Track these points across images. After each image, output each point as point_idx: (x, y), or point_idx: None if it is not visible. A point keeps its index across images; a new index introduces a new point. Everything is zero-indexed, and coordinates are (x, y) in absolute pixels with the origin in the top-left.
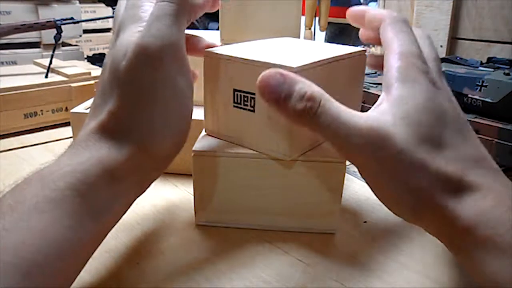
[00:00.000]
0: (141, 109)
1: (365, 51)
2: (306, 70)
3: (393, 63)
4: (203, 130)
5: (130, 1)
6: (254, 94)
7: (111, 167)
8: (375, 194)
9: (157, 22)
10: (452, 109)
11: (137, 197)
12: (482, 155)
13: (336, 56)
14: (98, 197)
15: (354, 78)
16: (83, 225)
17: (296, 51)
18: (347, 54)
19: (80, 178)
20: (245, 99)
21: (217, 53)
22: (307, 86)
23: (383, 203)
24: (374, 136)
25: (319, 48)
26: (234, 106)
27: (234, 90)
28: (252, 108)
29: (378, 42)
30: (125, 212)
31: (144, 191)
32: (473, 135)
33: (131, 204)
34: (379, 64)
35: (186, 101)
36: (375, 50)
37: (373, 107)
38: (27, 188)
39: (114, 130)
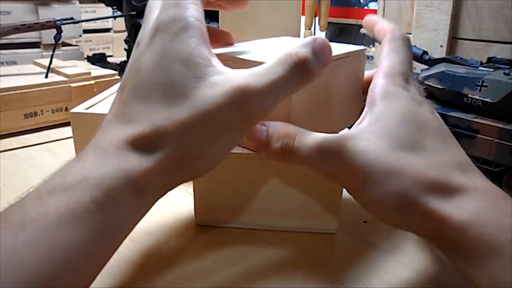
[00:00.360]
0: (199, 134)
1: (365, 49)
2: None
3: (377, 82)
4: None
5: None
6: None
7: (139, 180)
8: (363, 206)
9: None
10: (433, 120)
11: (151, 206)
12: (466, 161)
13: (336, 55)
14: (121, 212)
15: (355, 77)
16: (102, 240)
17: None
18: (347, 53)
19: (106, 192)
20: None
21: (216, 54)
22: (282, 126)
23: (372, 214)
24: (349, 156)
25: None
26: None
27: None
28: None
29: None
30: (140, 220)
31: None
32: (455, 143)
33: (146, 213)
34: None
35: (233, 144)
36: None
37: (354, 125)
38: (51, 198)
39: (154, 144)
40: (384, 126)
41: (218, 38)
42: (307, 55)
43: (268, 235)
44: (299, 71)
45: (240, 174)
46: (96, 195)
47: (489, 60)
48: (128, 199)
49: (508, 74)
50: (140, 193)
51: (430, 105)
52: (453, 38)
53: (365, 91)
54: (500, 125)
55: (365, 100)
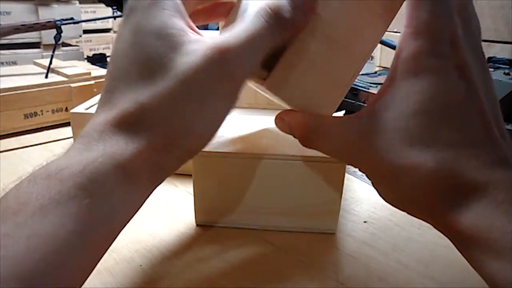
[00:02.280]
0: (183, 104)
1: None
2: None
3: (402, 49)
4: None
5: None
6: None
7: (125, 163)
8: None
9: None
10: (468, 102)
11: (150, 194)
12: (500, 153)
13: None
14: (110, 197)
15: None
16: (92, 229)
17: None
18: None
19: (89, 177)
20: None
21: None
22: (297, 124)
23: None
24: (357, 150)
25: None
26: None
27: None
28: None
29: None
30: (137, 211)
31: (156, 187)
32: (494, 131)
33: (144, 202)
34: None
35: (228, 113)
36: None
37: (369, 102)
38: (32, 187)
39: (139, 123)
40: (397, 117)
41: (210, 11)
42: (280, 4)
43: (268, 235)
44: (275, 21)
45: (240, 174)
46: (79, 181)
47: (489, 60)
48: (116, 183)
49: (508, 74)
50: (129, 177)
51: (475, 78)
52: None
53: None
54: None
55: None
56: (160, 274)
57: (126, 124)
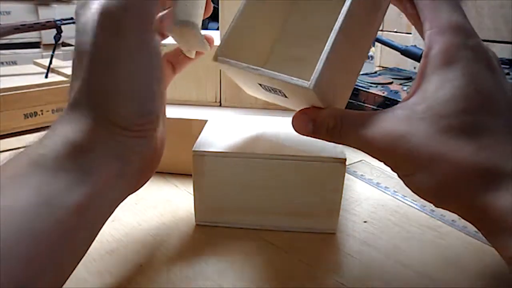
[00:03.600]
0: (106, 78)
1: None
2: (321, 74)
3: (431, 46)
4: (203, 130)
5: None
6: (281, 90)
7: (76, 140)
8: (409, 187)
9: None
10: (502, 92)
11: (125, 169)
12: None
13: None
14: (69, 170)
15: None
16: (56, 200)
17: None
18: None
19: (43, 153)
20: (274, 90)
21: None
22: (327, 117)
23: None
24: (390, 140)
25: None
26: (265, 91)
27: (259, 84)
28: (284, 96)
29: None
30: (118, 189)
31: (132, 163)
32: None
33: (122, 179)
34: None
35: (150, 65)
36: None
37: (401, 101)
38: None
39: (81, 103)
40: (433, 105)
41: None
42: None
43: (268, 235)
44: None
45: (240, 174)
46: (33, 157)
47: None
48: (70, 156)
49: (508, 74)
50: (82, 152)
51: (499, 68)
52: None
53: None
54: None
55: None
56: (160, 274)
57: (72, 107)
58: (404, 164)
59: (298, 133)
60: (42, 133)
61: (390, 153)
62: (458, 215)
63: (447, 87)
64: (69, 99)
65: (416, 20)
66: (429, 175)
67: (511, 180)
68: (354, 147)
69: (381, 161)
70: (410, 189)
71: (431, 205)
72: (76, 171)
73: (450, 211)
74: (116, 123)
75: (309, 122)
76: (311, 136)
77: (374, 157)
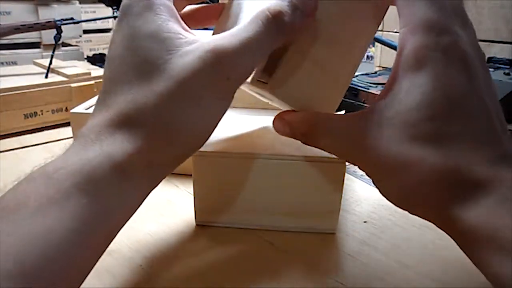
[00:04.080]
0: (179, 104)
1: None
2: None
3: (403, 46)
4: None
5: None
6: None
7: (122, 162)
8: (382, 195)
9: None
10: (473, 97)
11: (148, 193)
12: (503, 151)
13: None
14: (107, 196)
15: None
16: (90, 228)
17: None
18: None
19: (87, 177)
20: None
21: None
22: (299, 123)
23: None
24: (359, 147)
25: None
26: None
27: None
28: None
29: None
30: (136, 210)
31: (155, 187)
32: (498, 129)
33: (142, 201)
34: None
35: (218, 120)
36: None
37: (373, 102)
38: (30, 187)
39: (133, 121)
40: (401, 111)
41: (202, 16)
42: (281, 8)
43: (268, 235)
44: (274, 25)
45: (240, 174)
46: (76, 180)
47: (489, 60)
48: (113, 183)
49: (508, 74)
50: (126, 176)
51: (483, 72)
52: None
53: None
54: None
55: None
56: (160, 274)
57: (122, 124)
58: (373, 170)
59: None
60: (85, 139)
61: (361, 159)
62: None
63: (415, 92)
64: (121, 110)
65: None
66: (396, 182)
67: (478, 190)
68: (328, 152)
69: (355, 166)
70: (382, 195)
71: None
72: (114, 199)
73: (426, 220)
74: (171, 152)
75: (285, 125)
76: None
77: (350, 163)
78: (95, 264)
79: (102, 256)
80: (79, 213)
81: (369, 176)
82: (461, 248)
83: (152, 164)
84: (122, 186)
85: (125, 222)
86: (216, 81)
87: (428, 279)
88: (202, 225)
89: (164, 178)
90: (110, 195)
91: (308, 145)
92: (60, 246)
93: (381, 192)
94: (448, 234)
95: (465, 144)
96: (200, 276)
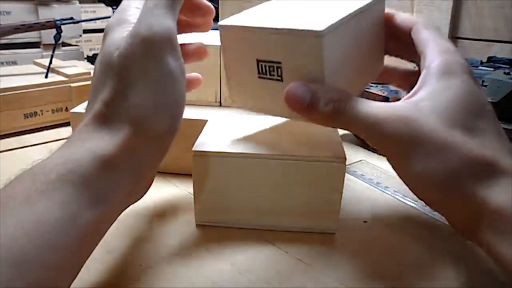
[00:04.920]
0: (134, 91)
1: None
2: (332, 31)
3: (432, 61)
4: (203, 130)
5: (118, 8)
6: (280, 63)
7: (105, 155)
8: (403, 179)
9: (148, 14)
10: (490, 105)
11: (137, 185)
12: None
13: (358, 9)
14: (93, 187)
15: (379, 26)
16: (78, 216)
17: (314, 10)
18: (367, 4)
19: (71, 169)
20: (271, 69)
21: (234, 26)
22: (331, 90)
23: (409, 187)
24: (403, 122)
25: (335, 4)
26: (260, 77)
27: (258, 60)
28: (279, 77)
29: (402, 52)
30: (127, 203)
31: (144, 179)
32: (505, 135)
33: (132, 194)
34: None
35: (180, 84)
36: None
37: (406, 97)
38: (18, 184)
39: (107, 117)
40: (440, 103)
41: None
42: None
43: (268, 235)
44: None
45: (240, 174)
46: (61, 172)
47: (489, 59)
48: (97, 173)
49: (508, 74)
50: (109, 166)
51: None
52: (453, 38)
53: (395, 35)
54: (501, 125)
55: (417, 76)
56: (160, 274)
57: (98, 122)
58: (409, 150)
59: (290, 106)
60: (68, 142)
61: (397, 137)
62: (443, 213)
63: (450, 91)
64: (96, 111)
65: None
66: (436, 163)
67: (504, 177)
68: (352, 128)
69: (378, 147)
70: (408, 180)
71: None
72: (99, 188)
73: (436, 209)
74: (147, 138)
75: (307, 93)
76: (302, 114)
77: (371, 142)
78: (86, 256)
79: (102, 256)
80: (66, 202)
81: (395, 160)
82: (480, 238)
83: (134, 153)
84: (108, 176)
85: (116, 215)
86: (148, 57)
87: (428, 279)
88: (202, 225)
89: (153, 168)
90: (96, 185)
91: (328, 121)
92: (48, 234)
93: (403, 174)
94: (468, 223)
95: (493, 138)
96: (200, 276)
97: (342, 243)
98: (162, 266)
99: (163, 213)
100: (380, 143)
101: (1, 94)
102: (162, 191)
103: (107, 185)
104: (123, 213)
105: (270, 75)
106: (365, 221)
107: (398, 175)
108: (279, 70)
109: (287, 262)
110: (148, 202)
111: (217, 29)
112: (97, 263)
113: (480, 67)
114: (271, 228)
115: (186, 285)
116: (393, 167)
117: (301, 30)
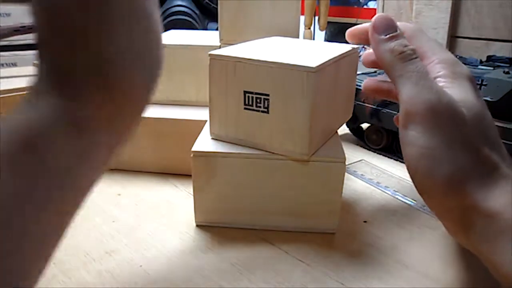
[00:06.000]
0: (101, 38)
1: (358, 48)
2: (322, 69)
3: (436, 72)
4: (203, 130)
5: None
6: (268, 95)
7: (76, 117)
8: (409, 165)
9: None
10: (490, 116)
11: (114, 151)
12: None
13: (341, 54)
14: (61, 154)
15: (351, 73)
16: (41, 189)
17: (302, 50)
18: (348, 51)
19: (34, 130)
20: (258, 100)
21: (224, 55)
22: (407, 44)
23: (413, 177)
24: (452, 108)
25: (321, 47)
26: (245, 108)
27: (245, 92)
28: (266, 109)
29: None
30: (102, 171)
31: (121, 144)
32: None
33: (107, 162)
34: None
35: (155, 24)
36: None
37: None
38: None
39: (75, 75)
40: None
41: None
42: None
43: (268, 235)
44: None
45: (240, 174)
46: (21, 132)
47: (489, 58)
48: (66, 136)
49: (507, 73)
50: (80, 126)
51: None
52: (453, 37)
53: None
54: (500, 124)
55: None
56: (160, 274)
57: (59, 83)
58: (441, 134)
59: (376, 24)
60: (23, 105)
61: (441, 118)
62: (438, 210)
63: (456, 91)
64: (52, 74)
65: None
66: (458, 153)
67: (504, 182)
68: (398, 84)
69: (410, 113)
70: (413, 162)
71: None
72: (71, 157)
73: (433, 207)
74: (124, 93)
75: (393, 27)
76: (376, 41)
77: (406, 105)
78: (57, 239)
79: (102, 256)
80: (24, 171)
81: (410, 143)
82: (479, 243)
83: (112, 113)
84: (80, 143)
85: (89, 189)
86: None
87: (428, 279)
88: (202, 225)
89: (131, 130)
90: (65, 152)
91: (392, 63)
92: (9, 201)
93: (415, 163)
94: (467, 224)
95: (496, 145)
96: (200, 276)
97: (342, 243)
98: (162, 266)
99: (163, 213)
100: (412, 111)
101: (1, 96)
102: (162, 191)
103: (79, 153)
104: (122, 213)
105: (257, 106)
106: (365, 221)
107: (406, 158)
108: (265, 102)
109: (287, 262)
110: (148, 203)
111: (217, 29)
112: (97, 263)
113: (480, 66)
114: (271, 228)
115: (186, 285)
116: (405, 144)
117: (295, 65)
